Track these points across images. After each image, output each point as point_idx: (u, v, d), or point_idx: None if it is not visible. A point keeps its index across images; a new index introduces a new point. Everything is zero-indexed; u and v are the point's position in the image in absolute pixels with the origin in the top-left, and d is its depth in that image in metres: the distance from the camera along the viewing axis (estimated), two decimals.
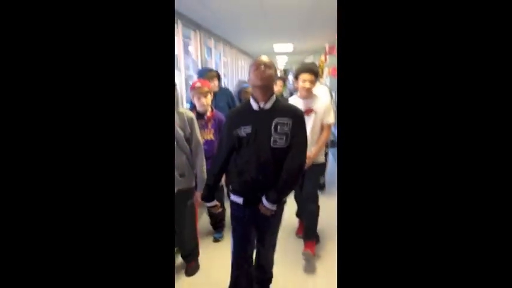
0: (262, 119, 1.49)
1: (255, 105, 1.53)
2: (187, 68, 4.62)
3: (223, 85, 4.09)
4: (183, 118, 1.92)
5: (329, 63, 7.90)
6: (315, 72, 2.27)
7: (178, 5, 3.60)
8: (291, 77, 13.50)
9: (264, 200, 1.53)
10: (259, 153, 1.49)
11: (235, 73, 8.36)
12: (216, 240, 2.69)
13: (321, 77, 8.66)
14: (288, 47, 8.58)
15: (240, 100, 3.04)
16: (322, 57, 8.48)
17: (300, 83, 2.27)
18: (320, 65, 8.45)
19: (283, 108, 1.53)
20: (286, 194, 1.59)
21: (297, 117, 1.51)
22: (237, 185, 1.62)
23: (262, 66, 1.48)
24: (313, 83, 2.25)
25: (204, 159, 2.08)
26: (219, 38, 6.28)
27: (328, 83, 8.66)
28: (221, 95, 2.95)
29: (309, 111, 2.25)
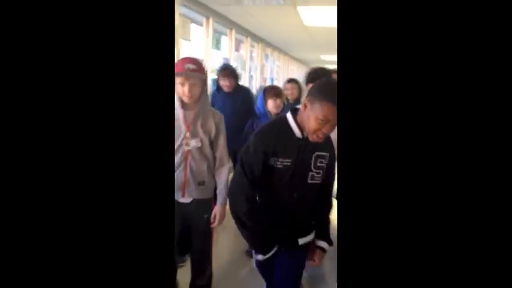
0: (304, 151, 1.19)
1: (298, 133, 1.18)
2: (249, 70, 6.24)
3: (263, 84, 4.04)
4: (210, 119, 1.57)
5: None
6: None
7: (246, 24, 5.18)
8: None
9: (319, 241, 1.30)
10: (295, 190, 1.21)
11: (285, 74, 9.88)
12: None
13: None
14: (334, 57, 9.95)
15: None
16: None
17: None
18: None
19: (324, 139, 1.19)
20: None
21: (333, 150, 1.26)
22: (252, 238, 1.28)
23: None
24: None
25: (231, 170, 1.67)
26: (274, 48, 7.86)
27: None
28: (236, 95, 2.59)
29: None
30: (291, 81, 2.83)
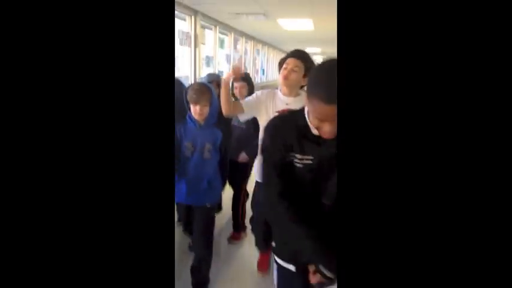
0: (328, 150, 0.90)
1: (313, 128, 0.92)
2: (244, 63, 7.94)
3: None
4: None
5: None
6: (305, 60, 1.56)
7: (242, 29, 6.86)
8: None
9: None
10: (324, 198, 0.94)
11: (275, 65, 11.61)
12: None
13: None
14: (317, 50, 11.69)
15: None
16: None
17: (282, 70, 1.57)
18: None
19: None
20: None
21: None
22: (285, 245, 1.02)
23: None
24: (298, 72, 1.55)
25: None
26: (264, 44, 9.57)
27: None
28: None
29: None
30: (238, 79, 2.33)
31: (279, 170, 0.95)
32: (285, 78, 1.56)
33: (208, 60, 5.86)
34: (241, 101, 1.70)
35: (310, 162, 0.94)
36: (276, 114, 1.53)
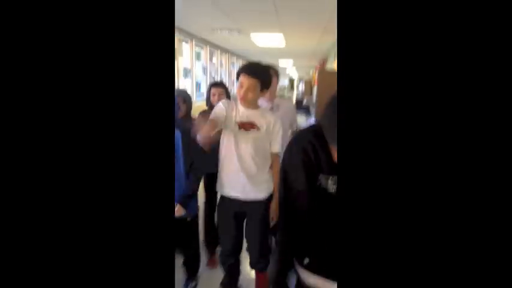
0: None
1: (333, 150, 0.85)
2: (220, 75, 8.26)
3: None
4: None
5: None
6: (260, 76, 1.56)
7: (217, 43, 7.20)
8: (301, 86, 16.41)
9: None
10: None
11: None
12: None
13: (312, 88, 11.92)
14: (289, 62, 12.21)
15: None
16: (312, 73, 12.12)
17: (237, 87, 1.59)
18: (312, 79, 12.02)
19: None
20: None
21: None
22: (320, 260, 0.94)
23: None
24: (255, 91, 1.57)
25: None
26: (239, 56, 9.98)
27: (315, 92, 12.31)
28: None
29: (249, 125, 1.61)
30: (216, 85, 2.39)
31: (293, 198, 0.77)
32: (242, 98, 1.57)
33: (186, 72, 6.13)
34: (213, 118, 1.59)
35: (335, 183, 0.79)
36: (236, 125, 1.60)
